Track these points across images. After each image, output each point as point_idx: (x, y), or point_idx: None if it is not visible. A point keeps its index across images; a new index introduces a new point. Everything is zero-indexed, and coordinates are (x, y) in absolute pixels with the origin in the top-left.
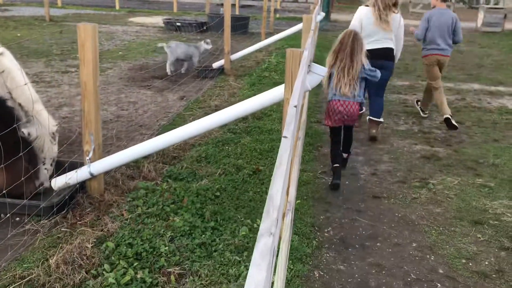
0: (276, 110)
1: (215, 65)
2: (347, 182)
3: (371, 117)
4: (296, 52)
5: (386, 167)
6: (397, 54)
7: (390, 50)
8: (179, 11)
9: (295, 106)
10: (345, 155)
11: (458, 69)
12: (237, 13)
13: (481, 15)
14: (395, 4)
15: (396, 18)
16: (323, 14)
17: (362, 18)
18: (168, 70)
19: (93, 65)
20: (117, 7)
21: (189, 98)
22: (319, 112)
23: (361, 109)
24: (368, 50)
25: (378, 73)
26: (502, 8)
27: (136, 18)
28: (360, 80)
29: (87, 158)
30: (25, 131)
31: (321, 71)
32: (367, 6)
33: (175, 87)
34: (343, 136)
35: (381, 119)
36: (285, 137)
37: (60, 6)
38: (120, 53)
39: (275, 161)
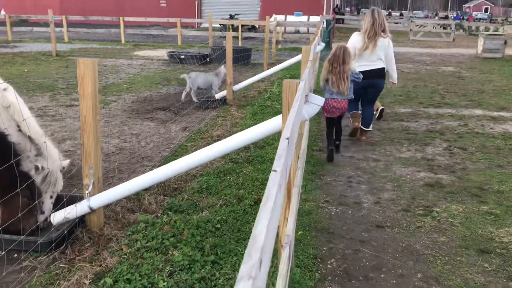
0: (277, 139)
1: (218, 95)
2: (350, 212)
3: (361, 127)
4: (292, 83)
5: (389, 196)
6: (393, 74)
7: (380, 70)
8: (183, 43)
9: (287, 138)
10: (337, 142)
11: (460, 95)
12: (239, 45)
13: (481, 42)
14: (383, 31)
15: (385, 42)
16: (323, 44)
17: (355, 45)
18: (194, 99)
19: (92, 99)
20: (123, 41)
21: (192, 129)
22: (321, 140)
23: (368, 126)
24: (361, 72)
25: (361, 76)
26: (502, 35)
27: (141, 52)
28: (350, 82)
29: (87, 192)
30: (36, 164)
31: (318, 101)
32: (359, 32)
33: (177, 118)
34: (335, 125)
35: (370, 128)
36: (274, 170)
37: (66, 41)
38: (125, 86)
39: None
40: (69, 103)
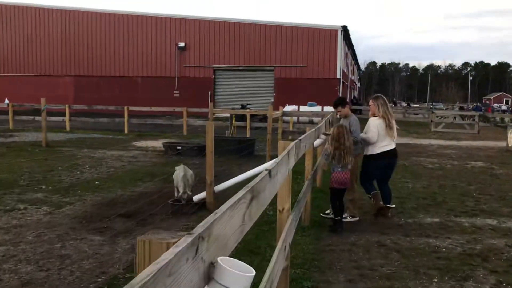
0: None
1: (196, 198)
2: None
3: (386, 205)
4: None
5: None
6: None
7: (396, 149)
8: (189, 134)
9: None
10: (339, 217)
11: (498, 199)
12: (247, 135)
13: (511, 134)
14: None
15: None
16: (323, 137)
17: (378, 127)
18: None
19: None
20: (126, 131)
21: None
22: (319, 270)
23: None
24: (385, 152)
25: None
26: None
27: (140, 142)
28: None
29: None
30: None
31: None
32: (376, 116)
33: (138, 229)
34: (339, 200)
35: (393, 205)
36: None
37: (68, 131)
38: (96, 183)
39: None
40: (11, 207)
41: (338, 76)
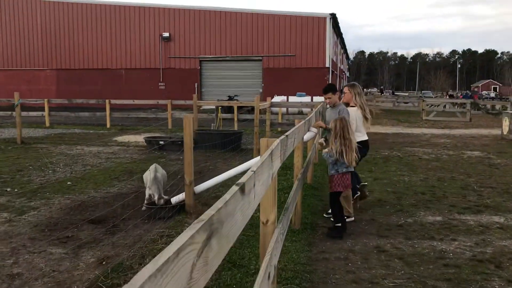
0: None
1: (174, 200)
2: None
3: (362, 184)
4: None
5: None
6: None
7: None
8: (174, 127)
9: None
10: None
11: (501, 192)
12: (235, 128)
13: (506, 122)
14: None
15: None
16: (313, 130)
17: (356, 118)
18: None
19: None
20: (108, 125)
21: (113, 261)
22: (312, 285)
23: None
24: (362, 141)
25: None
26: None
27: (123, 137)
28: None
29: None
30: None
31: None
32: (352, 106)
33: (106, 238)
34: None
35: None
36: None
37: (47, 126)
38: (68, 183)
39: None
40: None
41: (327, 65)
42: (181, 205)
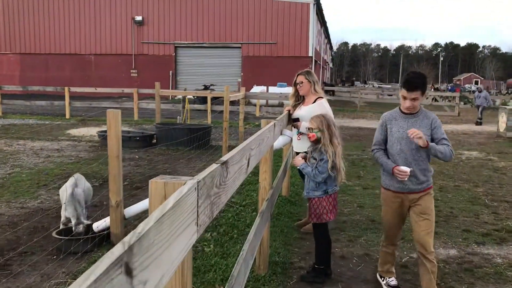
0: None
1: (97, 225)
2: None
3: None
4: None
5: None
6: None
7: None
8: (141, 118)
9: None
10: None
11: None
12: (208, 122)
13: (503, 118)
14: None
15: None
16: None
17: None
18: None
19: None
20: (67, 116)
21: None
22: None
23: None
24: None
25: None
26: None
27: (78, 130)
28: None
29: None
30: None
31: None
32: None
33: None
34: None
35: None
36: None
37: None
38: None
39: None
40: None
41: (310, 55)
42: (106, 233)
